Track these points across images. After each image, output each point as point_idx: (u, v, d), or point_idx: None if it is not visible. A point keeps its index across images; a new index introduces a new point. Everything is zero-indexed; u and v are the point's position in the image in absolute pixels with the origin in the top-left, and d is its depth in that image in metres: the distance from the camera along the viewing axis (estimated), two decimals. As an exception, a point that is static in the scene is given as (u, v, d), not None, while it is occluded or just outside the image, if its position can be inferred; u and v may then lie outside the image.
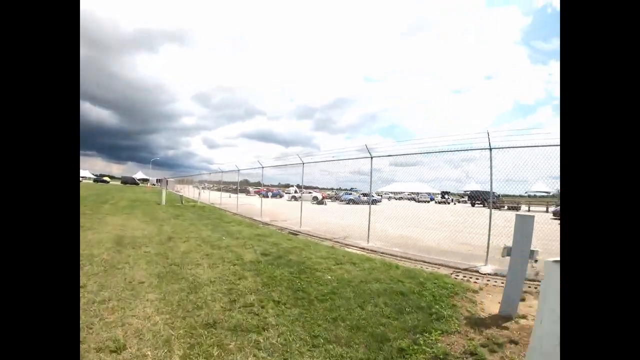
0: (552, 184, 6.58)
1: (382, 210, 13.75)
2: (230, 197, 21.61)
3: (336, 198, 30.30)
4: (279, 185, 37.86)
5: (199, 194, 20.52)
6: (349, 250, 7.40)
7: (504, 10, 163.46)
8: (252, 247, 6.63)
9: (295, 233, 9.69)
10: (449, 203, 27.67)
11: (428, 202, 28.76)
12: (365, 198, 27.44)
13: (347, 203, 27.23)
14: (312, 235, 9.32)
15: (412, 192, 30.23)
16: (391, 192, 27.27)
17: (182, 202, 18.80)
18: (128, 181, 64.63)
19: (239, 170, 16.87)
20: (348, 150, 10.21)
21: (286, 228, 10.57)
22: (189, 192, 32.21)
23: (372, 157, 8.53)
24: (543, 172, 5.83)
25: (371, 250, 7.46)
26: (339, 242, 8.43)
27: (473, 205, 25.48)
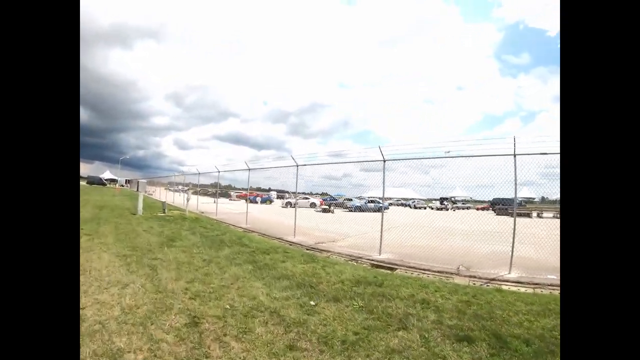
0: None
1: (421, 223, 10.07)
2: (214, 202, 16.95)
3: (337, 205, 25.95)
4: (251, 189, 32.93)
5: (187, 199, 15.74)
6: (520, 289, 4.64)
7: (479, 26, 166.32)
8: (435, 344, 2.67)
9: (390, 267, 5.80)
10: (447, 209, 24.08)
11: (424, 208, 25.77)
12: (372, 205, 23.48)
13: (352, 211, 22.40)
14: (416, 269, 5.58)
15: (403, 198, 26.84)
16: (377, 198, 23.72)
17: (165, 211, 14.13)
18: (94, 181, 55.79)
19: (249, 169, 12.66)
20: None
21: (359, 257, 6.62)
22: (165, 195, 27.63)
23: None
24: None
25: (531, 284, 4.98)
26: (473, 277, 5.32)
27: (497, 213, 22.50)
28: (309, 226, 11.06)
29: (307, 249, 7.35)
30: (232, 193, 34.50)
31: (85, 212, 11.23)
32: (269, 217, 14.47)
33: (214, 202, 16.81)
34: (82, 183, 50.35)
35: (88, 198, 18.90)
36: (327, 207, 20.79)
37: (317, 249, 7.52)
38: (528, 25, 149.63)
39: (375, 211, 23.22)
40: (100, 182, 56.48)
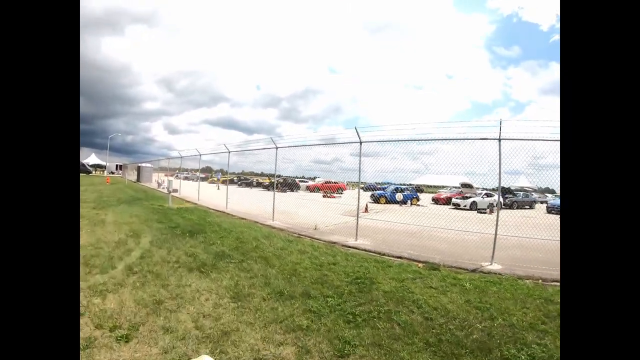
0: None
1: None
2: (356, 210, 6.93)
3: (511, 203, 14.72)
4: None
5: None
6: None
7: (471, 17, 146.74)
8: None
9: None
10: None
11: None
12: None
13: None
14: None
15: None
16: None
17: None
18: (74, 169, 42.16)
19: (227, 151, 9.73)
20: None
21: None
22: (185, 188, 17.07)
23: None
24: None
25: None
26: None
27: None
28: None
29: None
30: (298, 182, 22.07)
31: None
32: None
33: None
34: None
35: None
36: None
37: None
38: (522, 19, 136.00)
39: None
40: (83, 169, 42.54)
